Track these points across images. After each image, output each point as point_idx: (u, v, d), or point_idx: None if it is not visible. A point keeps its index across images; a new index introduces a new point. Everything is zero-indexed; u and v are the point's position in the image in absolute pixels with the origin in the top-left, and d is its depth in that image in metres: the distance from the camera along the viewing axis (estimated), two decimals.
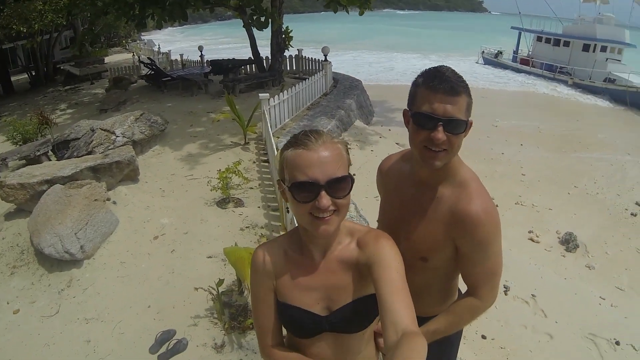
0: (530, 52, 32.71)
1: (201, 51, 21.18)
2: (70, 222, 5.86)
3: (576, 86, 25.29)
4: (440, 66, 1.78)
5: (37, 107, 14.18)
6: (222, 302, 4.63)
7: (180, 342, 4.31)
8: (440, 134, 1.72)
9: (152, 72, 17.44)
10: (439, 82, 1.71)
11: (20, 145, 10.34)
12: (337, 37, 58.70)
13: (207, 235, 6.29)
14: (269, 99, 9.65)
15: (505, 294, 5.95)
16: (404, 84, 23.18)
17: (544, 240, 7.70)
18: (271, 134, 8.39)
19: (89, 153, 8.77)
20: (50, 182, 6.94)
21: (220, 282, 4.66)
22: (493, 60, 34.67)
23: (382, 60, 38.34)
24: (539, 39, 32.21)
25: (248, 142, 10.02)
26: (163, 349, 4.28)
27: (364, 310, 1.67)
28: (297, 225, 1.70)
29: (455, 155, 1.85)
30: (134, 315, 4.83)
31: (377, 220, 2.29)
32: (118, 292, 5.23)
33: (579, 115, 18.69)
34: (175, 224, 6.66)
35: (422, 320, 1.97)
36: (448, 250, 1.93)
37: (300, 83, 11.90)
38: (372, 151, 10.48)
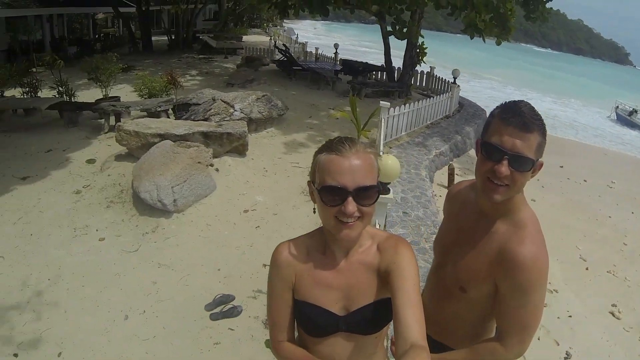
0: None
1: (336, 49, 21.89)
2: (170, 176, 6.44)
3: None
4: (519, 101, 1.84)
5: (169, 68, 15.37)
6: None
7: (235, 308, 4.67)
8: (504, 168, 1.77)
9: (285, 59, 18.24)
10: (512, 116, 1.77)
11: (145, 98, 11.29)
12: (472, 61, 57.66)
13: (294, 221, 6.62)
14: (389, 109, 9.83)
15: None
16: None
17: (626, 319, 7.16)
18: (381, 143, 8.58)
19: (205, 120, 9.44)
20: (162, 137, 7.62)
21: None
22: (626, 118, 32.57)
23: (515, 97, 37.32)
24: None
25: None
26: (217, 310, 4.66)
27: (380, 313, 1.75)
28: (320, 226, 1.78)
29: (517, 193, 1.88)
30: (203, 273, 5.28)
31: (434, 241, 2.38)
32: (195, 250, 5.72)
33: None
34: (267, 204, 7.07)
35: (446, 350, 2.13)
36: (487, 287, 1.96)
37: (423, 100, 12.01)
38: None
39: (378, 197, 1.62)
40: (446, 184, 9.34)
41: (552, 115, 28.89)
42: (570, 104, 38.08)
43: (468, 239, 2.03)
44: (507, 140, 1.75)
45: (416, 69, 17.22)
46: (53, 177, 7.25)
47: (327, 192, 1.57)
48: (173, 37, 26.43)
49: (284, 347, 1.81)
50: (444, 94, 14.00)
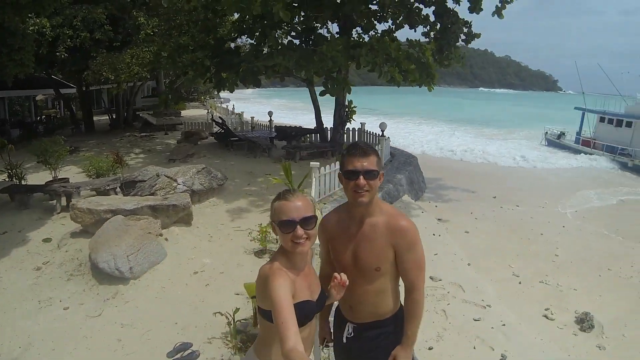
0: (593, 133, 32.94)
1: (270, 116, 22.84)
2: (124, 246, 7.12)
3: (636, 169, 25.20)
4: (356, 141, 3.04)
5: (113, 148, 16.07)
6: (237, 328, 5.60)
7: (194, 353, 5.35)
8: (361, 181, 2.74)
9: (222, 131, 19.24)
10: (355, 150, 2.81)
11: (94, 178, 11.93)
12: (402, 107, 60.86)
13: (240, 277, 7.34)
14: (319, 168, 10.70)
15: None
16: (464, 161, 27.33)
17: (559, 319, 7.84)
18: (315, 200, 9.40)
19: (152, 194, 10.15)
20: (114, 212, 8.30)
21: (237, 310, 5.66)
22: (556, 142, 34.94)
23: (443, 135, 40.76)
24: (602, 119, 32.47)
25: None
26: (178, 356, 5.34)
27: (324, 294, 2.72)
28: (280, 251, 2.60)
29: (374, 194, 2.84)
30: (162, 327, 5.94)
31: (333, 260, 3.06)
32: (153, 309, 6.38)
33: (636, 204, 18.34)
34: (214, 265, 7.80)
35: (379, 324, 2.99)
36: (391, 256, 2.85)
37: None
38: None
39: (317, 223, 2.52)
40: None
41: (493, 151, 31.04)
42: (498, 137, 41.22)
43: (362, 238, 2.90)
44: (357, 164, 2.76)
45: (348, 127, 18.28)
46: (12, 256, 7.79)
47: (283, 225, 2.43)
48: (114, 116, 27.08)
49: (303, 356, 2.18)
50: None
